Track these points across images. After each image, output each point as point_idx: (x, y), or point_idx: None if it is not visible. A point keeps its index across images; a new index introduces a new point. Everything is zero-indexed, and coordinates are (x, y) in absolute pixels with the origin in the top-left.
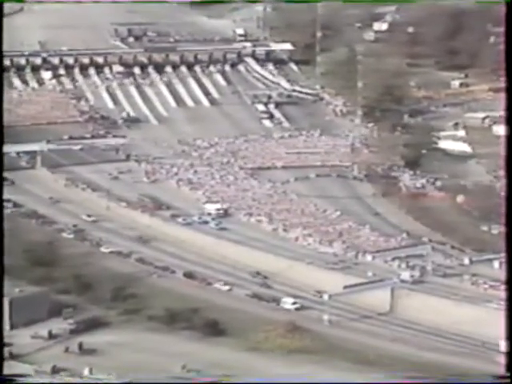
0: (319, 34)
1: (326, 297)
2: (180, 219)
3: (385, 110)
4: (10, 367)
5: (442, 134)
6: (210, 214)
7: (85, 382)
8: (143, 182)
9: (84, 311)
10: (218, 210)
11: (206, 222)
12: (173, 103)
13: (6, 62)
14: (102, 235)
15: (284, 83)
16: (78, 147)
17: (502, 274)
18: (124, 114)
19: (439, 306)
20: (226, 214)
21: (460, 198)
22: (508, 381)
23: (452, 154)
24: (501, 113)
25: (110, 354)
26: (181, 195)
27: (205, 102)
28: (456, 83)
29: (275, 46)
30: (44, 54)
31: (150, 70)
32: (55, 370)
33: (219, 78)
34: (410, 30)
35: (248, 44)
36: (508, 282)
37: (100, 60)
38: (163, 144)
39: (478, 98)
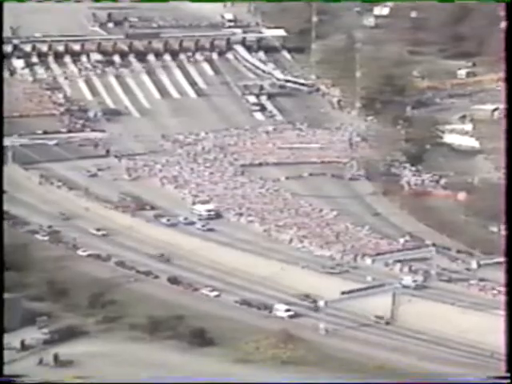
0: (315, 20)
1: (321, 303)
2: (164, 220)
3: (385, 102)
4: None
5: (448, 127)
6: (199, 216)
7: (85, 382)
8: (124, 179)
9: (59, 319)
10: (209, 211)
11: (192, 223)
12: (156, 94)
13: None
14: (80, 237)
15: (276, 73)
16: (53, 142)
17: None
18: (91, 113)
19: (444, 314)
20: (217, 215)
21: (461, 195)
22: (508, 381)
23: (458, 150)
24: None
25: (88, 365)
26: (165, 194)
27: (191, 93)
28: (462, 72)
29: (267, 33)
30: (15, 41)
31: (132, 58)
32: None
33: (206, 67)
34: (413, 14)
35: (238, 30)
36: (508, 282)
37: (77, 47)
38: (146, 139)
39: (486, 88)
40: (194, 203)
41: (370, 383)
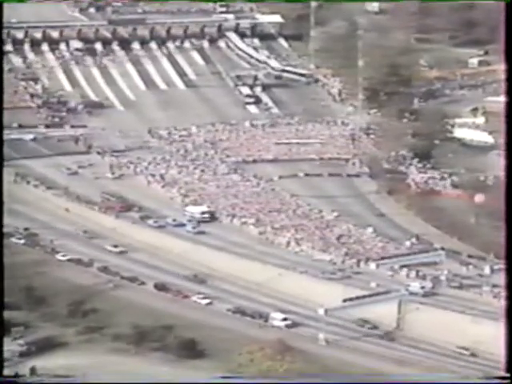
0: (314, 4)
1: (321, 312)
2: (151, 221)
3: (390, 94)
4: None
5: (458, 121)
6: (192, 219)
7: (85, 382)
8: (107, 178)
9: (37, 330)
10: (203, 213)
11: (182, 225)
12: (141, 85)
13: None
14: (59, 240)
15: (272, 62)
16: (30, 137)
17: None
18: (84, 99)
19: (455, 323)
20: (212, 218)
21: (479, 198)
22: (508, 381)
23: (470, 145)
24: None
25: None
26: (151, 194)
27: (179, 84)
28: (474, 61)
29: (262, 19)
30: None
31: (115, 46)
32: None
33: (196, 55)
34: None
35: (230, 16)
36: (508, 282)
37: (55, 34)
38: (131, 133)
39: (500, 78)
40: (186, 205)
41: (370, 383)
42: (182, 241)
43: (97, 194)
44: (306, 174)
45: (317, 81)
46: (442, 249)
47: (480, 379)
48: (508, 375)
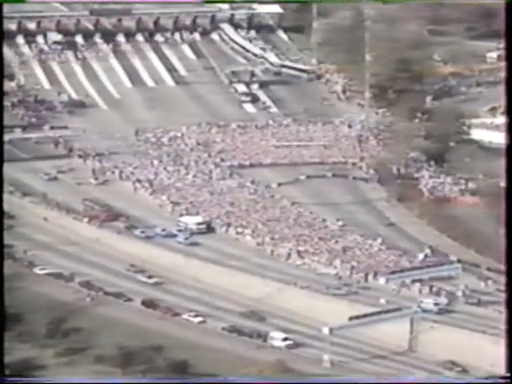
0: None
1: (325, 331)
2: (138, 231)
3: (400, 91)
4: None
5: (475, 121)
6: (188, 230)
7: (85, 382)
8: (90, 183)
9: (12, 351)
10: (199, 224)
11: (172, 236)
12: (127, 82)
13: None
14: (37, 252)
15: (271, 57)
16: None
17: None
18: (64, 97)
19: (472, 343)
20: (209, 229)
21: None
22: (508, 381)
23: (488, 148)
24: None
25: None
26: (139, 201)
27: (168, 80)
28: (493, 55)
29: (260, 9)
30: None
31: (98, 39)
32: None
33: (187, 49)
34: None
35: (224, 6)
36: (508, 282)
37: (31, 26)
38: (115, 135)
39: None
40: (176, 213)
41: (369, 383)
42: (173, 253)
43: (78, 201)
44: (308, 177)
45: (319, 77)
46: (459, 261)
47: (480, 379)
48: (508, 375)
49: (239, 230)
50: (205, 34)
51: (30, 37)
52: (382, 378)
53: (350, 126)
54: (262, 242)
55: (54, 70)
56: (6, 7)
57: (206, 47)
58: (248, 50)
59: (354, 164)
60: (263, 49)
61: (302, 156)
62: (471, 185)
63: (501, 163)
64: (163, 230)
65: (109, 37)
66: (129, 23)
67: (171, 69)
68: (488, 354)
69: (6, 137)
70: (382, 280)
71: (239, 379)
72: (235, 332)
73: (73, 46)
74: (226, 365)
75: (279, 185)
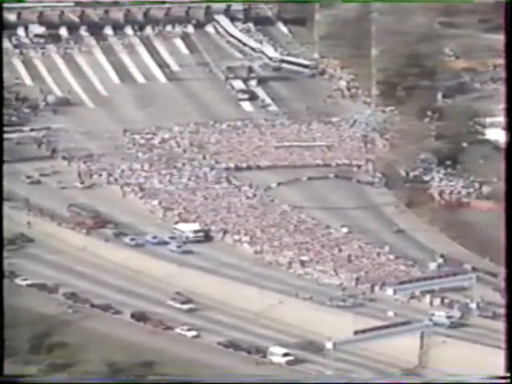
0: None
1: (329, 346)
2: (127, 239)
3: (410, 88)
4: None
5: (490, 120)
6: (184, 239)
7: (87, 382)
8: (75, 187)
9: None
10: (197, 232)
11: (164, 243)
12: (115, 79)
13: None
14: (18, 262)
15: (270, 51)
16: None
17: None
18: (50, 98)
19: (487, 359)
20: (207, 238)
21: None
22: (508, 381)
23: (503, 149)
24: None
25: None
26: (128, 206)
27: (160, 76)
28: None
29: None
30: None
31: (83, 32)
32: None
33: (180, 43)
34: None
35: None
36: (508, 280)
37: (12, 17)
38: (103, 135)
39: None
40: (167, 219)
41: (369, 383)
42: (165, 262)
43: (63, 206)
44: (310, 179)
45: (322, 73)
46: (473, 271)
47: (480, 379)
48: (508, 375)
49: (236, 237)
50: (199, 26)
51: (10, 29)
52: (382, 378)
53: (354, 126)
54: (260, 250)
55: (36, 65)
56: None
57: (200, 41)
58: (245, 44)
59: (359, 166)
60: (261, 42)
61: (304, 158)
62: (486, 188)
63: None
64: (154, 237)
65: (95, 29)
66: (117, 15)
67: (162, 64)
68: (503, 369)
69: None
70: (389, 291)
71: (238, 379)
72: (232, 347)
73: (56, 39)
74: (223, 382)
75: (279, 188)
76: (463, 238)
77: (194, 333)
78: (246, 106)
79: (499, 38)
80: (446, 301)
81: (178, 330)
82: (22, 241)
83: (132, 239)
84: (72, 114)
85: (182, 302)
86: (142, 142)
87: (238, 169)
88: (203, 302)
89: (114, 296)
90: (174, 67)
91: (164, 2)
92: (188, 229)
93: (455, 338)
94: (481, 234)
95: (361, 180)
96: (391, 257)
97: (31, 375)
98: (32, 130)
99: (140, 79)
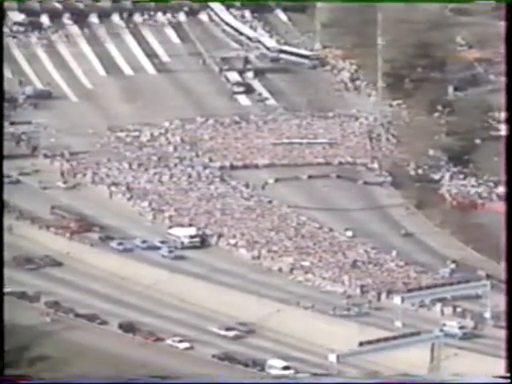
0: None
1: (332, 358)
2: (114, 244)
3: (418, 80)
4: None
5: (505, 114)
6: (180, 244)
7: (85, 382)
8: (58, 188)
9: None
10: (193, 237)
11: (155, 248)
12: (101, 70)
13: None
14: None
15: (268, 40)
16: None
17: None
18: (28, 90)
19: (502, 373)
20: (203, 243)
21: None
22: (508, 381)
23: None
24: None
25: None
26: (115, 208)
27: (149, 68)
28: None
29: None
30: None
31: (66, 20)
32: None
33: (170, 32)
34: None
35: None
36: (508, 280)
37: None
38: (87, 131)
39: None
40: (170, 227)
41: (369, 383)
42: (155, 268)
43: (45, 208)
44: (311, 179)
45: (324, 64)
46: (487, 278)
47: (480, 379)
48: (508, 375)
49: (232, 241)
50: (191, 13)
51: None
52: (382, 378)
53: (359, 121)
54: (258, 256)
55: (16, 55)
56: None
57: (193, 29)
58: (241, 33)
59: (364, 165)
60: (255, 29)
61: (304, 156)
62: (501, 188)
63: None
64: (144, 241)
65: (79, 17)
66: (103, 1)
67: (152, 54)
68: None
69: None
70: (397, 299)
71: (237, 380)
72: (227, 360)
73: (37, 27)
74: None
75: (278, 188)
76: (477, 241)
77: (186, 344)
78: (242, 99)
79: None
80: (459, 310)
81: (169, 342)
82: None
83: (119, 244)
84: (54, 108)
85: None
86: (130, 138)
87: (233, 167)
88: (196, 310)
89: (100, 305)
90: (165, 58)
91: None
92: (183, 234)
93: (468, 351)
94: (496, 237)
95: (366, 180)
96: (399, 262)
97: (31, 375)
98: (12, 124)
99: (127, 71)
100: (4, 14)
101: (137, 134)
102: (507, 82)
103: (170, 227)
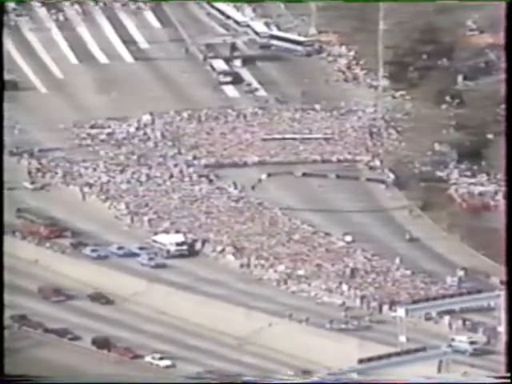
0: None
1: (329, 377)
2: (88, 250)
3: (424, 69)
4: None
5: None
6: (165, 253)
7: (85, 382)
8: (25, 188)
9: None
10: (180, 244)
11: (133, 255)
12: (73, 58)
13: None
14: None
15: (257, 25)
16: None
17: None
18: None
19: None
20: (192, 252)
21: None
22: (508, 381)
23: None
24: None
25: None
26: (89, 211)
27: (126, 55)
28: None
29: None
30: None
31: (35, 2)
32: None
33: (150, 15)
34: None
35: None
36: (508, 279)
37: None
38: (58, 126)
39: None
40: (155, 233)
41: (369, 383)
42: (133, 277)
43: (11, 211)
44: (304, 174)
45: (320, 51)
46: (500, 287)
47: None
48: (508, 375)
49: (218, 247)
50: None
51: None
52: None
53: (359, 114)
54: (247, 263)
55: None
56: None
57: (175, 12)
58: (228, 17)
59: (365, 163)
60: (245, 12)
61: (298, 152)
62: None
63: None
64: (120, 248)
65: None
66: None
67: (129, 41)
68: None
69: None
70: (400, 311)
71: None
72: (212, 378)
73: (3, 12)
74: None
75: (269, 189)
76: (489, 247)
77: (167, 362)
78: (229, 90)
79: None
80: (469, 323)
81: (148, 359)
82: None
83: (93, 250)
84: (20, 100)
85: None
86: (105, 133)
87: (219, 166)
88: (178, 324)
89: (71, 319)
90: (143, 44)
91: None
92: (169, 241)
93: (479, 368)
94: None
95: (367, 179)
96: (403, 271)
97: (31, 375)
98: None
99: (102, 59)
100: (4, 14)
101: (112, 128)
102: (507, 81)
103: (155, 234)
